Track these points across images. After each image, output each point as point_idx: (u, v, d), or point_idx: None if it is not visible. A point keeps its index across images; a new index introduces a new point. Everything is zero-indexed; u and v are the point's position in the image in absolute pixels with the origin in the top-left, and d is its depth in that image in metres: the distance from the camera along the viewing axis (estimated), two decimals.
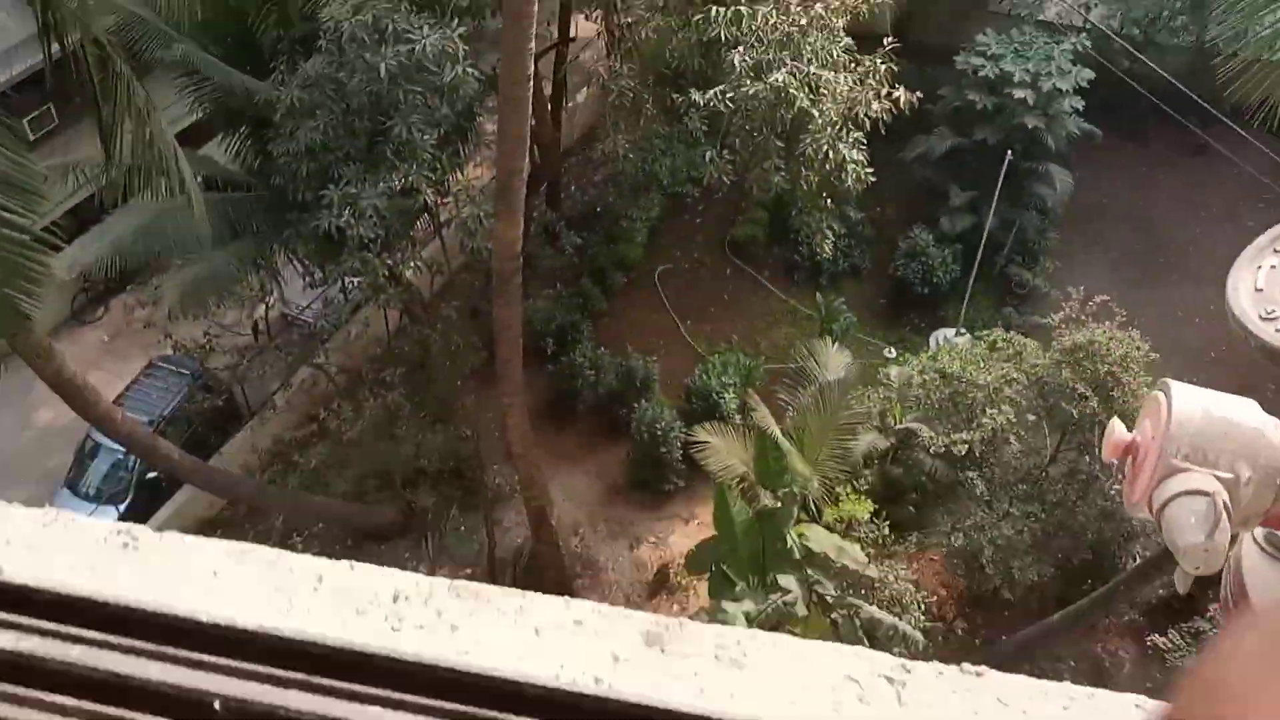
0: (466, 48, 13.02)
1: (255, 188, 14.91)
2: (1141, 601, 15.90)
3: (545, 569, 16.43)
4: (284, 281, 16.48)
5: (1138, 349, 14.42)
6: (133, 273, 16.17)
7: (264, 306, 16.44)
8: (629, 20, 12.69)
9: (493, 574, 16.72)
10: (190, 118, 15.00)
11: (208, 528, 17.52)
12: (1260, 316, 1.17)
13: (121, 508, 16.50)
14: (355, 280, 13.85)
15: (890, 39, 14.22)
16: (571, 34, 19.96)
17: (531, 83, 10.60)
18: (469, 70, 12.79)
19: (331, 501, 16.96)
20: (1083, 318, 15.28)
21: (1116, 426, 1.10)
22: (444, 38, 12.44)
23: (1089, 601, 13.90)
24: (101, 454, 17.17)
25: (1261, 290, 1.20)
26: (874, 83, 12.73)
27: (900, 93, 12.72)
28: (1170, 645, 14.70)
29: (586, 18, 16.11)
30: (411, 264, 15.67)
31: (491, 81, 15.53)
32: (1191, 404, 0.99)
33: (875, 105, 12.56)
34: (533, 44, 10.28)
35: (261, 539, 17.34)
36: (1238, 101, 11.87)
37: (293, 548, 15.86)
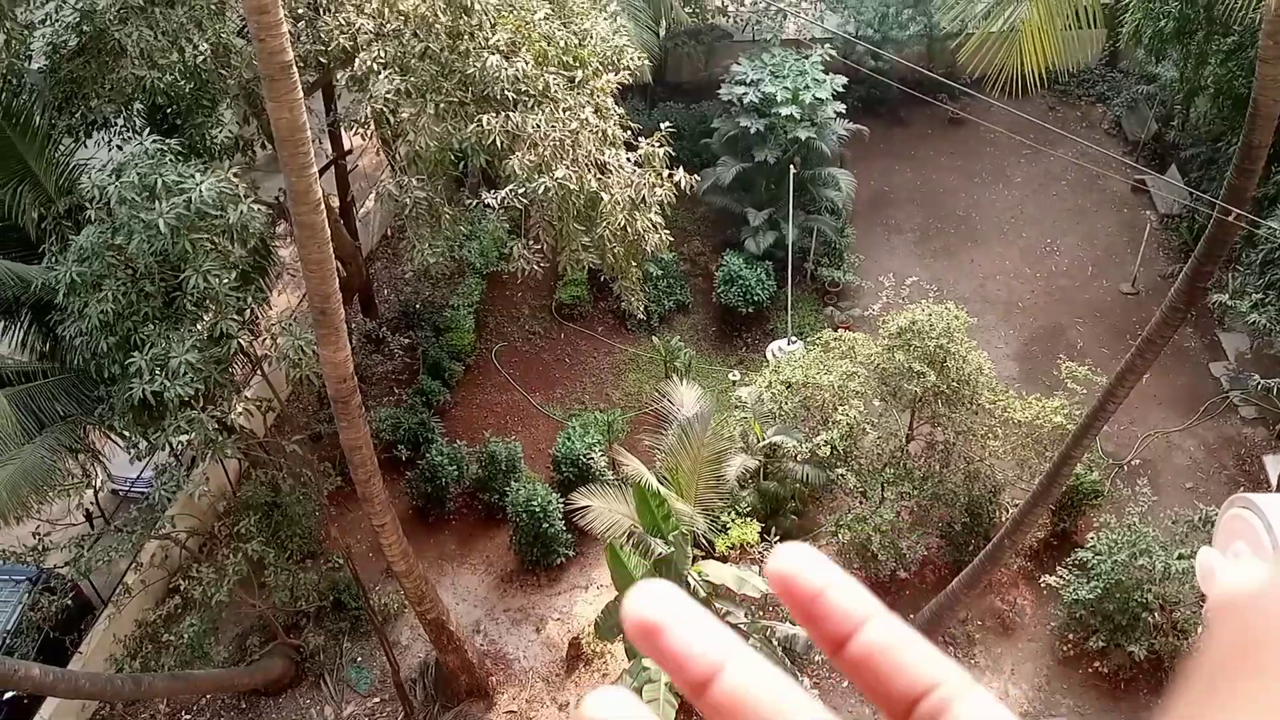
0: (244, 184, 12.74)
1: (52, 373, 14.05)
2: (1025, 548, 16.73)
3: (455, 676, 15.94)
4: (108, 459, 15.54)
5: (956, 318, 15.32)
6: None
7: (92, 490, 15.44)
8: (401, 130, 12.61)
9: (403, 697, 16.09)
10: None
11: None
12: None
13: None
14: (185, 440, 13.16)
15: (653, 85, 14.68)
16: (346, 146, 19.85)
17: (323, 206, 10.42)
18: (253, 206, 12.50)
19: (213, 671, 15.97)
20: (900, 301, 16.14)
21: (1209, 558, 1.06)
22: (219, 180, 12.12)
23: (979, 561, 14.52)
24: None
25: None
26: (655, 166, 13.10)
27: (680, 175, 13.14)
28: (1062, 582, 15.49)
29: (356, 132, 16.05)
30: (239, 408, 15.07)
31: (279, 209, 15.26)
32: None
33: (659, 191, 12.93)
34: (314, 167, 10.14)
35: None
36: (975, 73, 12.92)
37: None
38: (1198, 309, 18.95)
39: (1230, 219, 10.36)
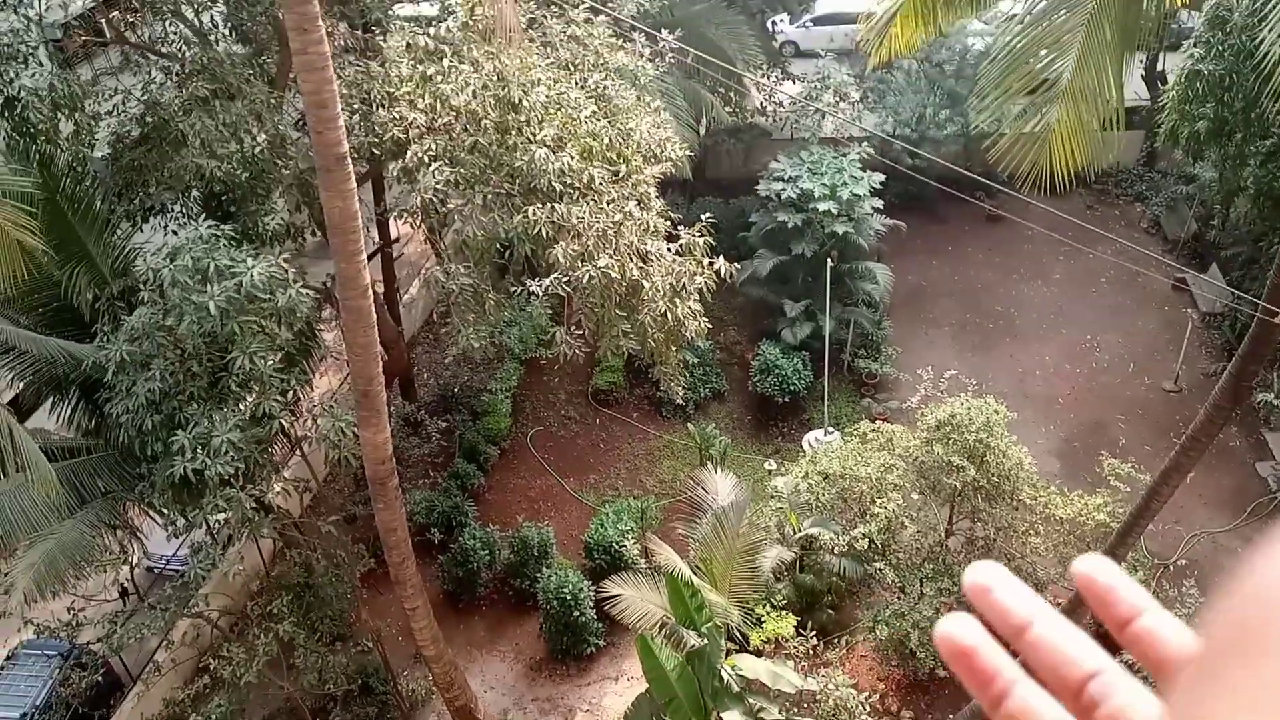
0: (293, 269, 13.07)
1: (96, 449, 14.29)
2: None
3: None
4: (145, 535, 15.67)
5: (996, 413, 15.20)
6: None
7: (128, 566, 15.54)
8: (448, 220, 12.95)
9: None
10: (10, 392, 14.38)
11: None
12: None
13: None
14: (222, 518, 13.26)
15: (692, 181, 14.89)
16: (393, 234, 20.36)
17: (370, 292, 10.68)
18: (301, 291, 12.81)
19: None
20: (938, 394, 16.07)
21: None
22: (270, 265, 12.45)
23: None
24: None
25: None
26: (695, 255, 13.38)
27: (720, 263, 13.39)
28: None
29: (405, 221, 16.51)
30: (277, 488, 15.19)
31: (325, 294, 15.62)
32: None
33: (699, 279, 13.18)
34: (364, 255, 10.43)
35: None
36: (1009, 172, 13.12)
37: None
38: (1242, 408, 18.66)
39: (1276, 320, 10.30)
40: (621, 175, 13.20)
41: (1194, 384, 22.10)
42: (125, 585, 18.04)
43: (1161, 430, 21.03)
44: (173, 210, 14.82)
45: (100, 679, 16.06)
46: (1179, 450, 11.69)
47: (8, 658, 16.73)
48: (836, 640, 17.06)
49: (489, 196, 12.59)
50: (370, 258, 14.37)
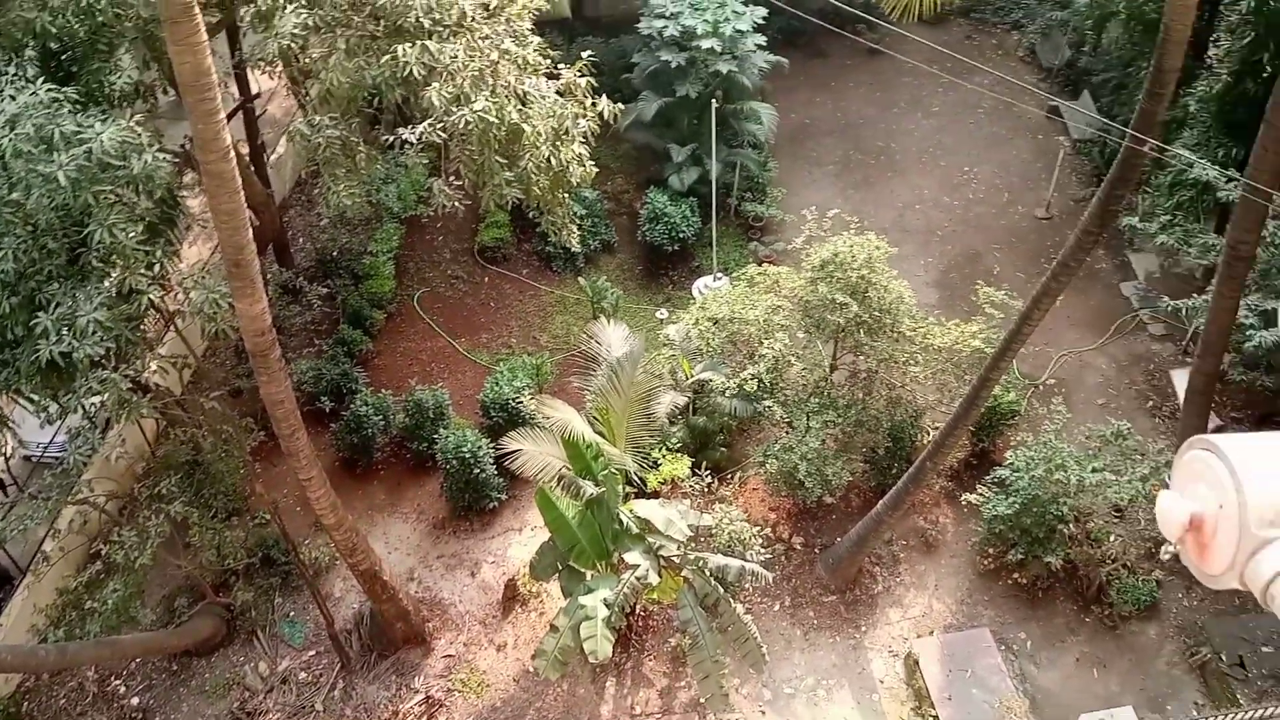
0: (148, 132, 12.19)
1: None
2: (946, 469, 17.22)
3: (391, 625, 15.92)
4: (16, 424, 15.00)
5: (877, 249, 15.48)
6: None
7: (2, 457, 14.92)
8: (311, 69, 12.11)
9: (338, 648, 16.03)
10: None
11: (11, 705, 15.88)
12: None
13: None
14: (97, 401, 12.74)
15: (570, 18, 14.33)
16: (254, 89, 19.14)
17: (232, 153, 10.02)
18: (158, 155, 11.98)
19: (140, 635, 15.69)
20: (822, 234, 16.25)
21: (1170, 502, 1.04)
22: (121, 129, 11.57)
23: (902, 483, 14.89)
24: None
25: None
26: (577, 96, 12.90)
27: (604, 104, 12.97)
28: (981, 499, 16.00)
29: (264, 72, 15.44)
30: (154, 366, 14.63)
31: (186, 158, 14.68)
32: (1257, 463, 0.86)
33: (582, 121, 12.77)
34: (222, 114, 9.72)
35: (75, 697, 15.93)
36: (891, 9, 12.97)
37: (114, 693, 14.53)
38: (1109, 231, 19.45)
39: (1144, 148, 10.57)
40: (494, 9, 12.54)
41: (1065, 210, 22.88)
42: (2, 477, 17.39)
43: (1034, 257, 21.83)
44: (7, 73, 13.55)
45: None
46: (1050, 275, 12.12)
47: None
48: (730, 476, 17.67)
49: (352, 40, 11.83)
50: (230, 116, 13.47)
